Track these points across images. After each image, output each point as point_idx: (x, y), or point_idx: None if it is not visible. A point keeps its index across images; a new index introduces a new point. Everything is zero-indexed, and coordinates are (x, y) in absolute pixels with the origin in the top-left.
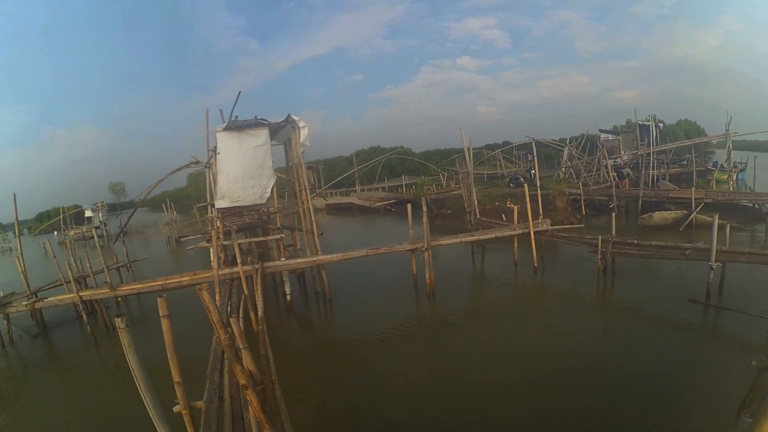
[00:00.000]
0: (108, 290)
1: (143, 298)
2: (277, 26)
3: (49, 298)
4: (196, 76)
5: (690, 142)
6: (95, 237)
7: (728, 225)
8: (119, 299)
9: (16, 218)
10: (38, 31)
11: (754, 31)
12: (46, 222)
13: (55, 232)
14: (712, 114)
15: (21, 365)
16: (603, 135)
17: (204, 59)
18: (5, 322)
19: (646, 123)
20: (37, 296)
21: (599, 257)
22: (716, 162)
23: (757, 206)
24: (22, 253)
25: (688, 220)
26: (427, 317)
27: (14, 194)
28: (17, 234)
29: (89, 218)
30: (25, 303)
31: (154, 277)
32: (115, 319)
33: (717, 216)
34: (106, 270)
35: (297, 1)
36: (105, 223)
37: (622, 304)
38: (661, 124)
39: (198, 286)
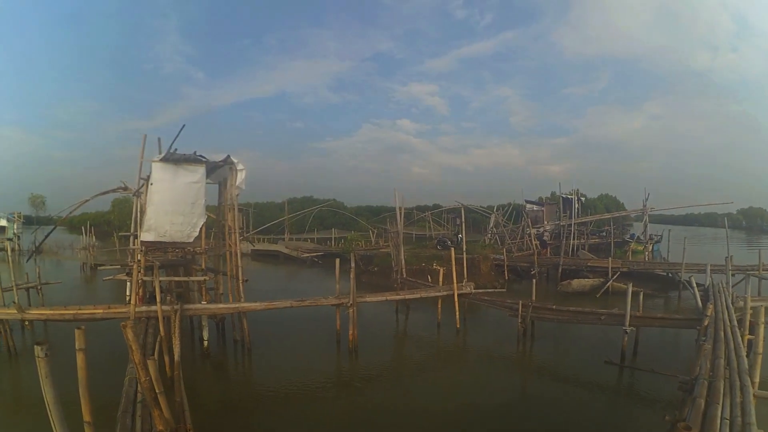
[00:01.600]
0: (16, 311)
1: (50, 326)
2: (228, 61)
3: None
4: (136, 96)
5: (609, 216)
6: (8, 250)
7: (642, 292)
8: (26, 323)
9: None
10: None
11: (675, 117)
12: None
13: None
14: (632, 190)
15: None
16: (528, 205)
17: (148, 81)
18: None
19: (569, 196)
20: None
21: (519, 321)
22: (633, 234)
23: (670, 275)
24: None
25: (605, 287)
26: (348, 374)
27: None
28: None
29: (2, 228)
30: None
31: (65, 303)
32: (35, 346)
33: (631, 284)
34: (14, 288)
35: (252, 40)
36: (19, 237)
37: (541, 365)
38: (583, 198)
39: (123, 323)
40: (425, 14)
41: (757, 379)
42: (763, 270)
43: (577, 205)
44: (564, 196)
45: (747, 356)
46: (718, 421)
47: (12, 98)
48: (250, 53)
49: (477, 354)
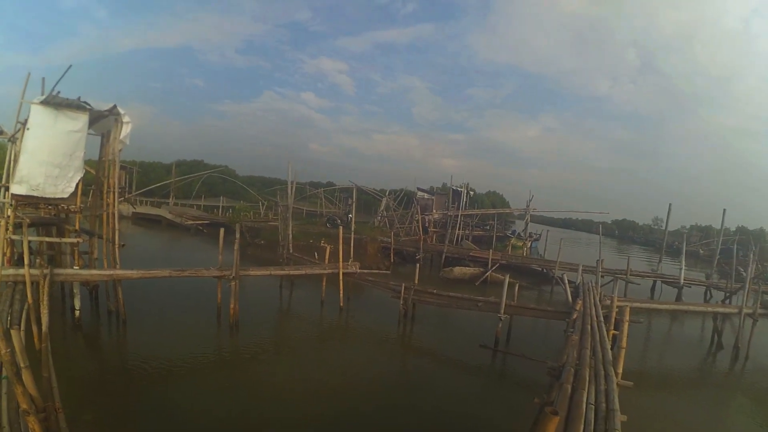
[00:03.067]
0: None
1: None
2: (135, 1)
3: None
4: (24, 26)
5: (494, 211)
6: None
7: (518, 284)
8: None
9: None
10: None
11: (568, 133)
12: None
13: None
14: (518, 191)
15: None
16: (420, 193)
17: (41, 11)
18: None
19: (459, 189)
20: None
21: (401, 303)
22: (515, 230)
23: (545, 271)
24: None
25: (484, 276)
26: (228, 349)
27: None
28: None
29: None
30: None
31: None
32: None
33: (508, 276)
34: None
35: None
36: None
37: (420, 346)
38: (472, 192)
39: None
40: None
41: (620, 370)
42: (630, 275)
43: (465, 198)
44: (454, 188)
45: (611, 349)
46: (584, 406)
47: None
48: None
49: (359, 333)
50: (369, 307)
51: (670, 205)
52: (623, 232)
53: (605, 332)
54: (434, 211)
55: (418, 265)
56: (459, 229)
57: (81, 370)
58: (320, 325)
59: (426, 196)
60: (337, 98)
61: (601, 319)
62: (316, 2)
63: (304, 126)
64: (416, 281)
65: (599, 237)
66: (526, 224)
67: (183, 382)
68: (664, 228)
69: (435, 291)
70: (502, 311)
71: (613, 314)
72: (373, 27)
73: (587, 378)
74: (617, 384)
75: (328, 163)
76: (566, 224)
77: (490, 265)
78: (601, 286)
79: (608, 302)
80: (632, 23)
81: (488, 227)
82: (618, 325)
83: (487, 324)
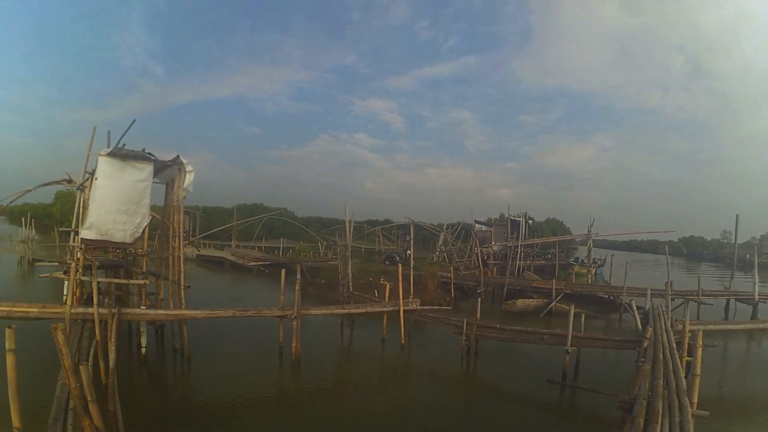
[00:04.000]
0: None
1: None
2: (189, 59)
3: None
4: (91, 85)
5: (555, 239)
6: None
7: (584, 314)
8: None
9: None
10: None
11: (623, 150)
12: None
13: None
14: (578, 216)
15: None
16: (477, 225)
17: (105, 70)
18: None
19: (517, 218)
20: None
21: (464, 338)
22: (578, 257)
23: (612, 298)
24: None
25: (548, 308)
26: (290, 388)
27: None
28: None
29: None
30: None
31: None
32: None
33: (573, 306)
34: None
35: (216, 40)
36: None
37: (484, 383)
38: (530, 221)
39: (53, 325)
40: (391, 32)
41: (695, 400)
42: (702, 295)
43: (524, 228)
44: (512, 218)
45: (685, 377)
46: None
47: None
48: (213, 53)
49: (421, 370)
50: (431, 344)
51: (737, 216)
52: (692, 250)
53: (678, 360)
54: (493, 242)
55: (479, 299)
56: (520, 260)
57: (145, 406)
58: (382, 362)
59: (484, 228)
60: (389, 136)
61: (674, 345)
62: (360, 46)
63: (358, 165)
64: (478, 316)
65: (666, 257)
66: (589, 250)
67: (245, 418)
68: (733, 241)
69: (498, 325)
70: (569, 343)
71: (686, 340)
72: (418, 64)
73: (660, 410)
74: (692, 414)
75: (384, 200)
76: (631, 247)
77: (554, 296)
78: (671, 310)
79: (680, 327)
80: (676, 28)
81: (550, 256)
82: (691, 351)
83: (554, 357)
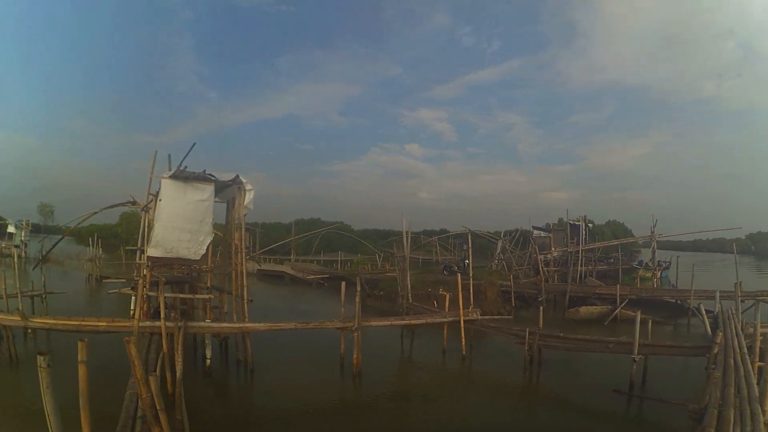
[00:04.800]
0: (20, 318)
1: (53, 335)
2: (239, 82)
3: None
4: (150, 112)
5: (617, 242)
6: (14, 256)
7: (650, 320)
8: (29, 331)
9: None
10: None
11: (681, 145)
12: None
13: None
14: (639, 216)
15: None
16: (536, 231)
17: (162, 97)
18: None
19: (576, 222)
20: None
21: (526, 348)
22: (641, 260)
23: (679, 302)
24: None
25: (613, 314)
26: (351, 399)
27: None
28: None
29: (10, 234)
30: None
31: (68, 313)
32: (38, 356)
33: (639, 312)
34: (19, 295)
35: (263, 62)
36: (26, 244)
37: (548, 394)
38: (590, 224)
39: (126, 338)
40: (434, 41)
41: None
42: None
43: (584, 232)
44: (571, 222)
45: (757, 384)
46: None
47: (30, 108)
48: (261, 75)
49: (483, 382)
50: (492, 355)
51: None
52: (760, 247)
53: (749, 365)
54: (553, 248)
55: (541, 307)
56: (581, 266)
57: (210, 415)
58: (443, 373)
59: (543, 233)
60: (440, 145)
61: (745, 350)
62: (404, 58)
63: (411, 176)
64: (540, 325)
65: (734, 256)
66: (653, 252)
67: (307, 429)
68: None
69: (561, 334)
70: (636, 351)
71: (757, 344)
72: (464, 71)
73: (732, 419)
74: (765, 423)
75: (438, 209)
76: (696, 246)
77: (618, 302)
78: (741, 313)
79: (751, 330)
80: (724, 11)
81: (612, 260)
82: (763, 356)
83: (620, 366)
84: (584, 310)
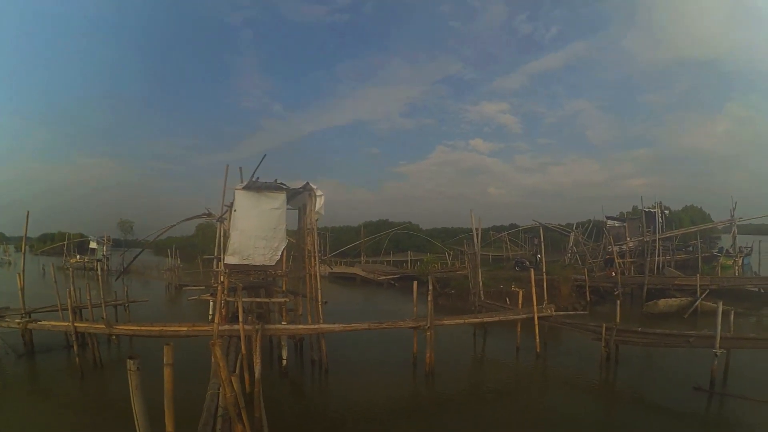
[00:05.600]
0: (104, 326)
1: (136, 340)
2: (304, 93)
3: (43, 322)
4: (220, 129)
5: (695, 229)
6: (98, 269)
7: (733, 311)
8: (113, 337)
9: (25, 236)
10: (77, 56)
11: (760, 118)
12: (49, 244)
13: (64, 258)
14: (718, 200)
15: (0, 382)
16: (610, 221)
17: (230, 115)
18: None
19: (652, 210)
20: (30, 317)
21: (603, 345)
22: (722, 248)
23: (762, 291)
24: (23, 270)
25: (693, 307)
26: (425, 397)
27: (27, 212)
28: (23, 251)
29: (93, 249)
30: (18, 321)
31: (150, 320)
32: (128, 360)
33: (721, 303)
34: (103, 305)
35: (324, 71)
36: (108, 258)
37: (625, 392)
38: (667, 211)
39: (211, 341)
40: (491, 33)
41: None
42: None
43: (661, 219)
44: (647, 210)
45: None
46: None
47: (106, 132)
48: (324, 84)
49: (558, 380)
50: (567, 352)
51: None
52: None
53: None
54: (628, 238)
55: (618, 301)
56: (658, 256)
57: (287, 413)
58: (516, 372)
59: (617, 223)
60: (506, 138)
61: None
62: (462, 53)
63: (478, 172)
64: (617, 320)
65: None
66: (734, 237)
67: (381, 428)
68: None
69: (640, 329)
70: (717, 345)
71: None
72: (524, 60)
73: None
74: None
75: (507, 204)
76: None
77: (698, 293)
78: None
79: None
80: None
81: (691, 248)
82: None
83: (701, 361)
84: (663, 303)
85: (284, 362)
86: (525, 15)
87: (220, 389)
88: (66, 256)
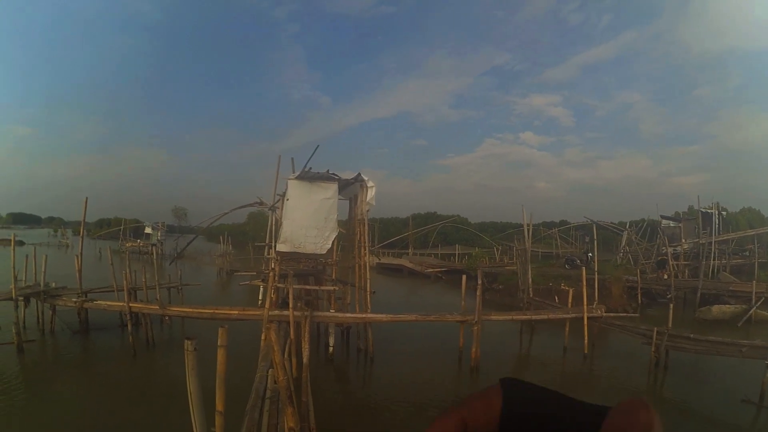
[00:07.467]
0: (158, 307)
1: (187, 322)
2: (349, 85)
3: (99, 301)
4: (267, 121)
5: (753, 232)
6: (153, 254)
7: None
8: (166, 318)
9: (84, 220)
10: (129, 53)
11: None
12: (105, 228)
13: (120, 242)
14: None
15: (55, 357)
16: (664, 221)
17: (277, 107)
18: (51, 312)
19: (708, 211)
20: (87, 296)
21: (653, 349)
22: None
23: None
24: (81, 253)
25: (747, 315)
26: (469, 391)
27: (86, 198)
28: (81, 234)
29: (148, 235)
30: (74, 300)
31: (202, 303)
32: (186, 341)
33: None
34: (157, 287)
35: (369, 65)
36: (162, 243)
37: (672, 400)
38: (724, 212)
39: (267, 325)
40: (538, 23)
41: None
42: None
43: (717, 221)
44: (703, 210)
45: None
46: None
47: (159, 125)
48: (370, 76)
49: (604, 383)
50: (616, 355)
51: None
52: None
53: None
54: (683, 240)
55: (671, 305)
56: (714, 259)
57: (332, 399)
58: (562, 372)
59: (672, 224)
60: (556, 132)
61: None
62: (509, 43)
63: (527, 166)
64: (669, 324)
65: None
66: None
67: (423, 418)
68: None
69: (692, 335)
70: None
71: None
72: (574, 51)
73: None
74: None
75: (556, 199)
76: None
77: (753, 300)
78: None
79: None
80: None
81: (747, 253)
82: None
83: (752, 373)
84: (716, 310)
85: (331, 349)
86: (575, 4)
87: (270, 372)
88: (122, 241)
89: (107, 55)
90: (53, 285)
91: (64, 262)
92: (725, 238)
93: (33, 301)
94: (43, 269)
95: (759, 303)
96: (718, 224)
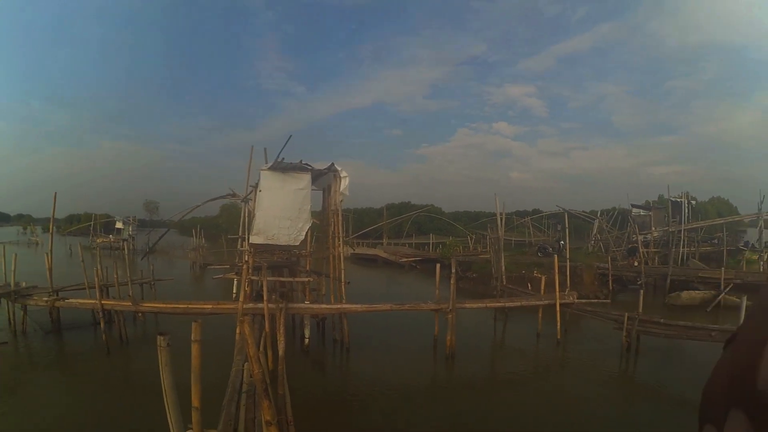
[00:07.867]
0: (130, 303)
1: (161, 318)
2: (325, 74)
3: (71, 300)
4: (242, 111)
5: (722, 221)
6: (124, 249)
7: None
8: (139, 314)
9: (53, 216)
10: (97, 40)
11: None
12: (75, 225)
13: (91, 238)
14: (746, 192)
15: (28, 358)
16: (635, 210)
17: (250, 96)
18: (22, 312)
19: (678, 200)
20: (58, 295)
21: (624, 334)
22: (747, 242)
23: None
24: (51, 251)
25: (716, 300)
26: (444, 379)
27: (55, 193)
28: (51, 231)
29: (119, 230)
30: (45, 299)
31: (174, 298)
32: (158, 336)
33: (745, 298)
34: (130, 283)
35: (346, 53)
36: (133, 238)
37: (644, 383)
38: (693, 202)
39: (240, 318)
40: (515, 14)
41: None
42: None
43: (687, 210)
44: (673, 199)
45: None
46: None
47: (128, 115)
48: (345, 65)
49: (577, 368)
50: (588, 340)
51: None
52: None
53: None
54: (653, 228)
55: (642, 291)
56: (683, 247)
57: (309, 390)
58: (536, 358)
59: (642, 212)
60: (530, 122)
61: None
62: (486, 33)
63: (502, 156)
64: (640, 310)
65: None
66: (760, 232)
67: (401, 406)
68: None
69: (662, 320)
70: None
71: None
72: (550, 42)
73: None
74: None
75: (531, 189)
76: None
77: (722, 286)
78: None
79: None
80: None
81: (716, 241)
82: None
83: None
84: (686, 295)
85: (306, 341)
86: None
87: (246, 366)
88: (92, 237)
89: (76, 46)
90: (24, 284)
91: (34, 260)
92: (694, 226)
93: (3, 301)
94: (12, 268)
95: (728, 289)
96: (688, 213)
